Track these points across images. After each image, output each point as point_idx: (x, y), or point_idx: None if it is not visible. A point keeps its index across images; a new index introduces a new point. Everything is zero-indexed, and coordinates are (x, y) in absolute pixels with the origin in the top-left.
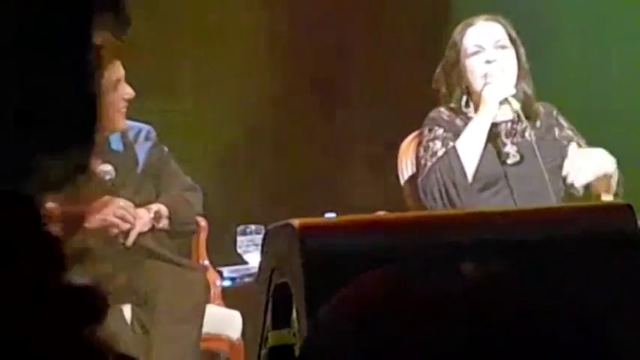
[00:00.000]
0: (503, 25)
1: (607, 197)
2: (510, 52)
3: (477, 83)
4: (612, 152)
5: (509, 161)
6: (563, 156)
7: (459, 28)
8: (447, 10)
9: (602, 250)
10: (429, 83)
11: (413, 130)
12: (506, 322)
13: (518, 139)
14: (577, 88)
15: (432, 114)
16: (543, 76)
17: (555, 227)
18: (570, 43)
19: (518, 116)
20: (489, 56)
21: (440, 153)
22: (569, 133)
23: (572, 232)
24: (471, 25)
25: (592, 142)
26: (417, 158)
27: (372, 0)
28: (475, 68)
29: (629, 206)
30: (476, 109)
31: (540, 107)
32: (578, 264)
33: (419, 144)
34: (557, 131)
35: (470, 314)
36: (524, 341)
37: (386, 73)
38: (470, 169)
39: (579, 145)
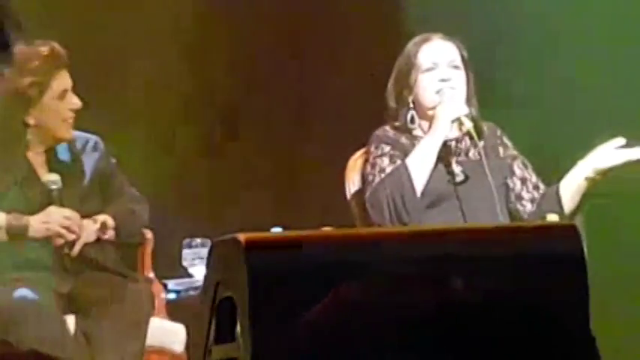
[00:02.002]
0: (457, 46)
1: (553, 217)
2: (462, 73)
3: (428, 100)
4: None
5: (455, 180)
6: (507, 174)
7: (413, 42)
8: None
9: (547, 269)
10: (377, 99)
11: (362, 146)
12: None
13: (462, 157)
14: (533, 104)
15: (378, 132)
16: (494, 95)
17: (501, 245)
18: (527, 61)
19: (470, 135)
20: (444, 74)
21: (388, 169)
22: (514, 152)
23: (517, 250)
24: (426, 41)
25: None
26: (364, 175)
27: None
28: (429, 85)
29: (574, 226)
30: (421, 126)
31: (485, 127)
32: (521, 281)
33: (365, 161)
34: (501, 150)
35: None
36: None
37: (340, 86)
38: (419, 186)
39: (524, 164)
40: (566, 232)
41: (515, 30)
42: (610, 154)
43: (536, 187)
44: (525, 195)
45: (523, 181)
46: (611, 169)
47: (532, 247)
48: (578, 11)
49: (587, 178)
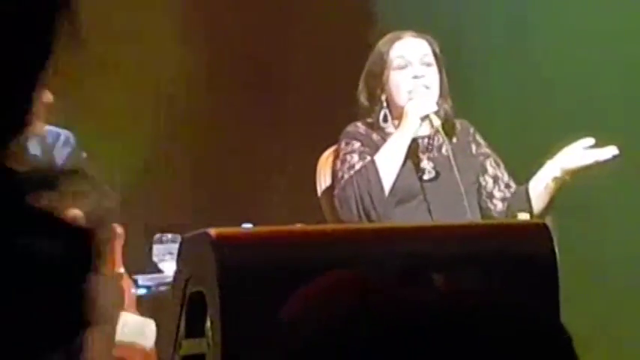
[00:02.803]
0: (429, 43)
1: (523, 216)
2: (434, 70)
3: (399, 97)
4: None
5: (425, 177)
6: (479, 172)
7: (384, 40)
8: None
9: (518, 267)
10: (350, 96)
11: (333, 144)
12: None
13: (434, 154)
14: (503, 103)
15: (349, 128)
16: (467, 92)
17: (472, 244)
18: (497, 57)
19: (438, 133)
20: (416, 72)
21: (357, 166)
22: (487, 150)
23: (488, 248)
24: (398, 38)
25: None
26: (333, 171)
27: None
28: (401, 82)
29: (545, 225)
30: (394, 124)
31: (457, 124)
32: (491, 280)
33: (336, 157)
34: (474, 148)
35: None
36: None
37: (313, 85)
38: (387, 183)
39: (496, 163)
40: (537, 230)
41: (486, 25)
42: (578, 154)
43: (507, 186)
44: (497, 194)
45: (495, 179)
46: (579, 170)
47: (503, 245)
48: (552, 7)
49: (555, 179)
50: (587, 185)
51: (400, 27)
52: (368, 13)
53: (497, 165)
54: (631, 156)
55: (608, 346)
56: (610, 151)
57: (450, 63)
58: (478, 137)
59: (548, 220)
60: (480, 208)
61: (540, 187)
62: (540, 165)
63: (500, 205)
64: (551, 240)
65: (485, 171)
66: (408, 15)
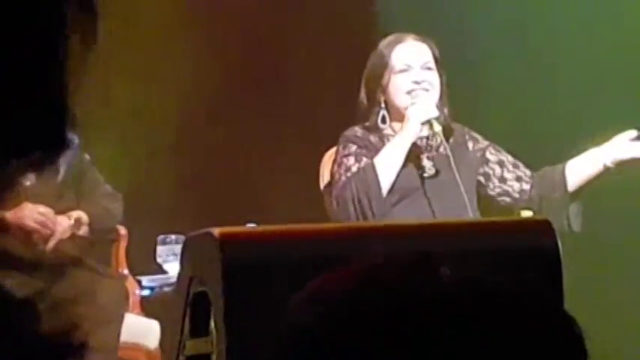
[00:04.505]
0: (430, 47)
1: (527, 213)
2: (435, 74)
3: (399, 100)
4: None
5: (425, 174)
6: (482, 165)
7: (385, 42)
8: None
9: (522, 264)
10: (353, 96)
11: (336, 143)
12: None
13: (433, 153)
14: (508, 108)
15: (346, 132)
16: (470, 96)
17: (476, 241)
18: (501, 62)
19: (436, 134)
20: (417, 76)
21: (354, 168)
22: (484, 142)
23: (492, 245)
24: (400, 41)
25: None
26: (332, 174)
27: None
28: (401, 86)
29: (548, 222)
30: (392, 126)
31: (453, 126)
32: (496, 277)
33: (334, 161)
34: (471, 145)
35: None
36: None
37: (315, 85)
38: (385, 185)
39: (495, 149)
40: (541, 227)
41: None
42: (628, 145)
43: (515, 166)
44: (508, 175)
45: (500, 163)
46: (627, 162)
47: (507, 242)
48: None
49: (605, 166)
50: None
51: (402, 28)
52: (370, 14)
53: (498, 151)
54: None
55: (611, 343)
56: None
57: (453, 64)
58: (474, 134)
59: (577, 205)
60: (494, 199)
61: (584, 170)
62: (542, 164)
63: (516, 185)
64: (555, 236)
65: (487, 161)
66: (410, 16)
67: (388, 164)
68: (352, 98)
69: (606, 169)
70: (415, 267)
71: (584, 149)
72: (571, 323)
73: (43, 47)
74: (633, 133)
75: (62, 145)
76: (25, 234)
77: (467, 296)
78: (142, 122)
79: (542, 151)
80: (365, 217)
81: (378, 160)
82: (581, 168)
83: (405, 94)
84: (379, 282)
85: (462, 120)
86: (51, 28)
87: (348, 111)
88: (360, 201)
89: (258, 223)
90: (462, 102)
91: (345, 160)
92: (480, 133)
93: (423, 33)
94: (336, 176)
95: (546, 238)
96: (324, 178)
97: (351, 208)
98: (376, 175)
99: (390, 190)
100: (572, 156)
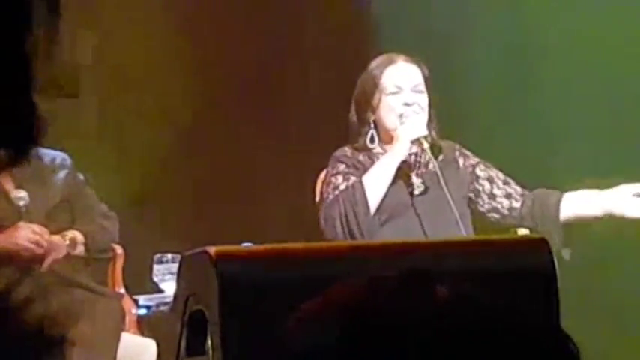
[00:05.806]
0: (420, 67)
1: (523, 231)
2: (424, 96)
3: (389, 121)
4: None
5: (415, 192)
6: (472, 182)
7: (376, 62)
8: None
9: (519, 282)
10: (344, 117)
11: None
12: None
13: (422, 170)
14: (494, 126)
15: (336, 153)
16: (462, 110)
17: (472, 259)
18: (489, 81)
19: (425, 152)
20: (408, 99)
21: (342, 187)
22: (474, 159)
23: (488, 264)
24: (391, 62)
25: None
26: (320, 193)
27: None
28: (392, 107)
29: (545, 240)
30: (381, 146)
31: (443, 143)
32: (494, 295)
33: (322, 181)
34: (461, 161)
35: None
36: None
37: (314, 101)
38: (373, 203)
39: (485, 166)
40: (538, 245)
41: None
42: (632, 204)
43: (506, 183)
44: (497, 192)
45: (490, 180)
46: (628, 219)
47: (504, 260)
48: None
49: (604, 214)
50: None
51: (395, 47)
52: (367, 32)
53: (488, 167)
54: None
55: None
56: None
57: (444, 82)
58: (465, 151)
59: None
60: (484, 215)
61: (577, 208)
62: (537, 184)
63: (506, 202)
64: (551, 254)
65: (477, 178)
66: (405, 32)
67: (376, 182)
68: (345, 118)
69: (604, 217)
70: (411, 286)
71: (578, 180)
72: (566, 341)
73: (8, 45)
74: (638, 187)
75: (29, 141)
76: (19, 253)
77: (463, 315)
78: (136, 144)
79: (537, 170)
80: (352, 235)
81: (367, 178)
82: (576, 205)
83: (396, 117)
84: (375, 301)
85: (451, 137)
86: (17, 26)
87: (347, 128)
88: (347, 218)
89: (254, 242)
90: (450, 119)
91: (333, 179)
92: (469, 151)
93: (417, 50)
94: (325, 195)
95: (543, 256)
96: (318, 197)
97: (339, 226)
98: (364, 193)
99: (380, 208)
100: (562, 176)
